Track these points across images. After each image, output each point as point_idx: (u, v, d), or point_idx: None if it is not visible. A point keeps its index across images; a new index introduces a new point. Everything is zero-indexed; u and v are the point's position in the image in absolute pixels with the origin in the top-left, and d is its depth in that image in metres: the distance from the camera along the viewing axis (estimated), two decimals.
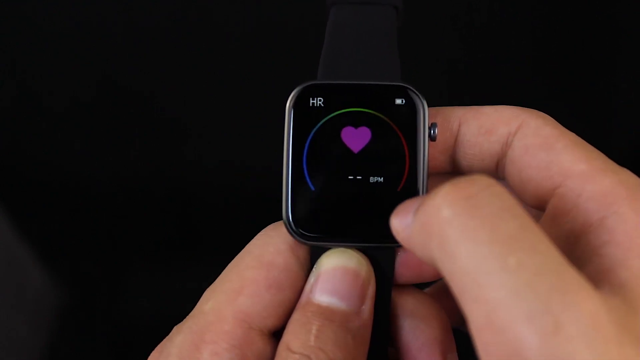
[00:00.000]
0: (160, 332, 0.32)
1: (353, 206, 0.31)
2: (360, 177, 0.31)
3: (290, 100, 0.31)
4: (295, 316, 0.30)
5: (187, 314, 0.31)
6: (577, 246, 0.28)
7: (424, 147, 0.31)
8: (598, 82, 0.61)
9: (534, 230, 0.25)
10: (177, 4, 0.59)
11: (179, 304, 0.36)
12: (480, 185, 0.25)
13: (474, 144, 0.32)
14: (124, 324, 0.62)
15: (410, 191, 0.31)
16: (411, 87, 0.31)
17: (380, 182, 0.31)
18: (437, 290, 0.35)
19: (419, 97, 0.31)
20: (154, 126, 0.61)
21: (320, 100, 0.31)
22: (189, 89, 0.61)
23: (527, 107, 0.32)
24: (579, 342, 0.23)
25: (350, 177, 0.31)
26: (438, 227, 0.25)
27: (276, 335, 0.30)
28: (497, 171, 0.33)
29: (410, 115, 0.31)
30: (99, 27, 0.59)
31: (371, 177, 0.31)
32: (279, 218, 0.31)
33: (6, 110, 0.61)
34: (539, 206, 0.31)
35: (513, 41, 0.60)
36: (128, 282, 0.61)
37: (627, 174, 0.29)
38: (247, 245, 0.31)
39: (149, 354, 0.31)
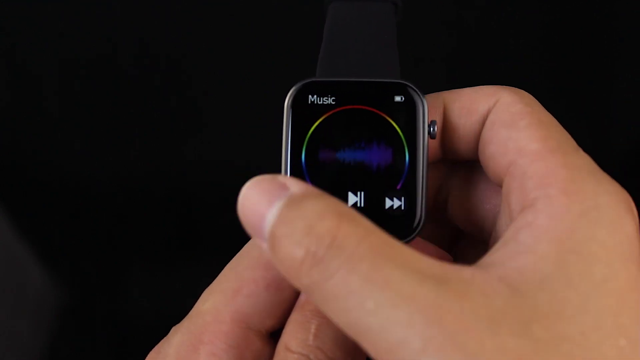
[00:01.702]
0: (160, 332, 0.32)
1: (352, 204, 0.31)
2: (359, 175, 0.31)
3: (289, 98, 0.31)
4: (294, 316, 0.30)
5: (187, 314, 0.31)
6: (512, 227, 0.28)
7: (424, 145, 0.31)
8: (597, 81, 0.60)
9: (386, 267, 0.25)
10: (177, 4, 0.59)
11: (179, 304, 0.36)
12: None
13: (456, 127, 0.32)
14: (124, 324, 0.61)
15: (410, 189, 0.31)
16: (411, 85, 0.31)
17: (380, 179, 0.31)
18: None
19: (418, 95, 0.31)
20: (154, 126, 0.61)
21: (318, 97, 0.31)
22: (188, 89, 0.60)
23: None
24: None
25: (349, 175, 0.31)
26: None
27: (274, 335, 0.30)
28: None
29: (409, 113, 0.31)
30: (99, 27, 0.59)
31: (370, 175, 0.31)
32: None
33: (6, 109, 0.61)
34: (499, 184, 0.30)
35: (512, 40, 0.60)
36: (128, 282, 0.61)
37: (576, 156, 0.28)
38: (245, 245, 0.31)
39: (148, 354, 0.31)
